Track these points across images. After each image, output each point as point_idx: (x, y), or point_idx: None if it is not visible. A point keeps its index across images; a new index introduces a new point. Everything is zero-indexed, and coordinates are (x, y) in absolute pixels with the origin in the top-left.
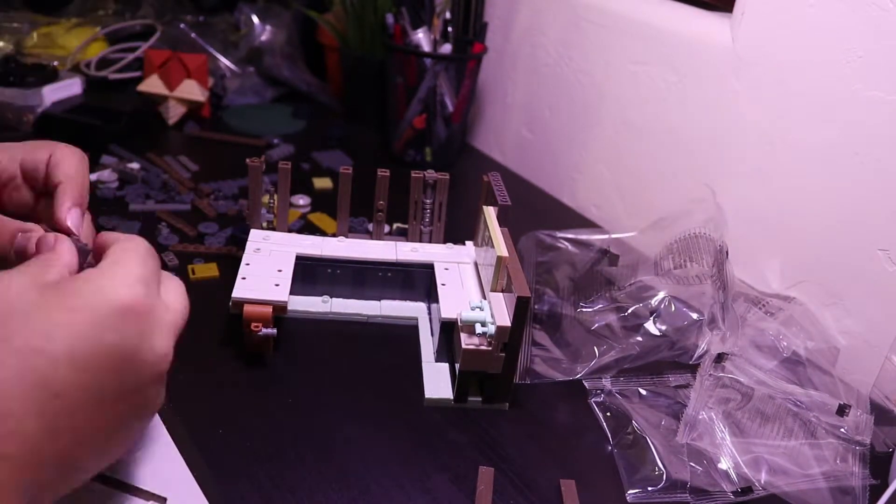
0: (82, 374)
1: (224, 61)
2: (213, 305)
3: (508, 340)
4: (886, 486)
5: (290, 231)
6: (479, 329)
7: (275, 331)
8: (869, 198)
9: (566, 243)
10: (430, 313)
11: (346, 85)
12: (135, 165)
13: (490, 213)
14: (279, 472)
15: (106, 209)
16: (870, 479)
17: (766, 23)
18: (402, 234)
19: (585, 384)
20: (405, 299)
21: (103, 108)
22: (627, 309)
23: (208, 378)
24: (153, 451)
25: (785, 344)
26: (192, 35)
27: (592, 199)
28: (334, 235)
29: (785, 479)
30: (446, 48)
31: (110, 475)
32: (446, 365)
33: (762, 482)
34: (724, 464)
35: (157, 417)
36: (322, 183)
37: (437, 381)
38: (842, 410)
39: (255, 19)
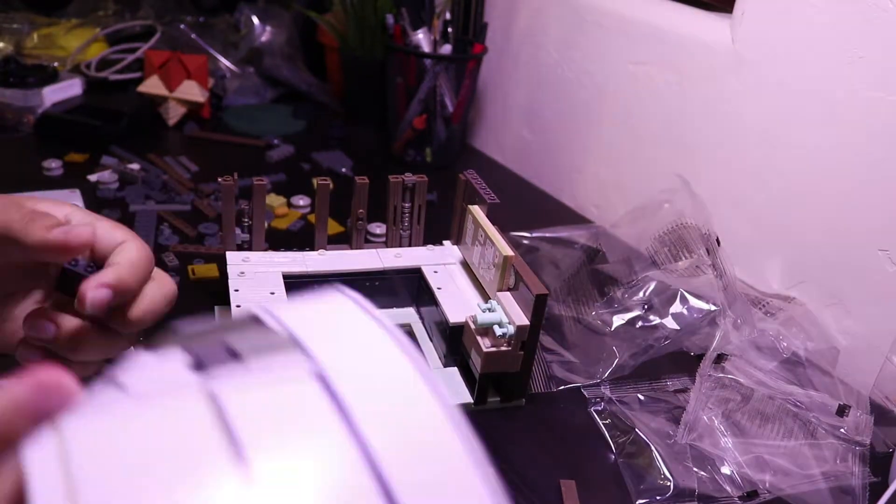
0: None
1: (224, 62)
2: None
3: (527, 338)
4: (886, 485)
5: (289, 230)
6: (498, 331)
7: None
8: (869, 198)
9: (545, 243)
10: (421, 318)
11: (346, 85)
12: (135, 166)
13: (478, 212)
14: None
15: (107, 210)
16: (870, 477)
17: (766, 23)
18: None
19: (585, 393)
20: (393, 307)
21: (103, 109)
22: (638, 307)
23: None
24: None
25: (785, 344)
26: (193, 35)
27: (592, 199)
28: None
29: (785, 480)
30: (446, 49)
31: None
32: (455, 369)
33: (766, 484)
34: (728, 467)
35: None
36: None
37: (453, 387)
38: (842, 411)
39: (255, 20)
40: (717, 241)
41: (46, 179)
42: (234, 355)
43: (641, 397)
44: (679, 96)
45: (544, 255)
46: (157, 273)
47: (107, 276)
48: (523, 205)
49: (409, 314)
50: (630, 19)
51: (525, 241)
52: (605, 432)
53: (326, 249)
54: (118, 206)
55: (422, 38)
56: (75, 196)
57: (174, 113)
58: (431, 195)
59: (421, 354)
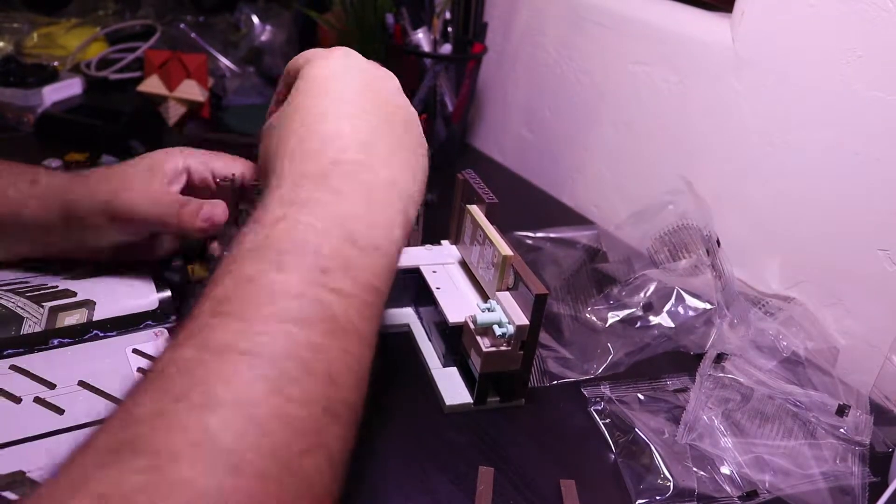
0: (384, 111)
1: (224, 61)
2: None
3: (527, 338)
4: (886, 485)
5: None
6: (497, 331)
7: None
8: (869, 198)
9: (548, 243)
10: (420, 318)
11: None
12: None
13: (477, 211)
14: None
15: None
16: (870, 477)
17: (766, 23)
18: None
19: (584, 392)
20: (391, 306)
21: (103, 109)
22: (636, 305)
23: None
24: None
25: (785, 344)
26: (192, 35)
27: (592, 199)
28: None
29: (785, 480)
30: (446, 48)
31: None
32: (455, 369)
33: (765, 484)
34: (728, 467)
35: None
36: None
37: (453, 387)
38: (841, 411)
39: (255, 19)
40: (718, 242)
41: None
42: None
43: (641, 397)
44: (679, 96)
45: (547, 255)
46: None
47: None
48: (523, 205)
49: (407, 314)
50: (630, 19)
51: (528, 241)
52: (605, 432)
53: None
54: None
55: (422, 37)
56: None
57: (174, 112)
58: (431, 195)
59: None
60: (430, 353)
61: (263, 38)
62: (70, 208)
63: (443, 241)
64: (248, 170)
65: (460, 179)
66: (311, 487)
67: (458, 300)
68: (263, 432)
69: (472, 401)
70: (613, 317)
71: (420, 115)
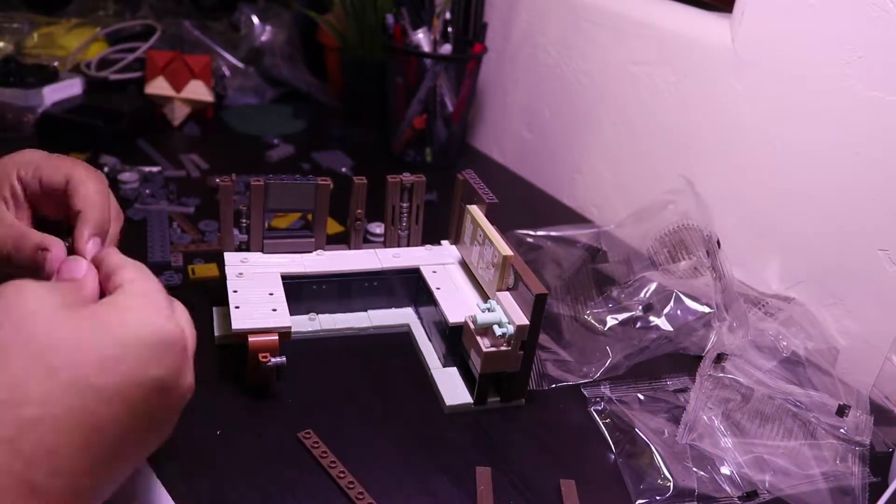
0: (125, 407)
1: (230, 59)
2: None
3: (527, 338)
4: (886, 485)
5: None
6: (497, 331)
7: (284, 359)
8: (869, 198)
9: (549, 242)
10: (420, 318)
11: (346, 85)
12: (154, 168)
13: (477, 211)
14: (279, 473)
15: (130, 210)
16: (870, 477)
17: (766, 23)
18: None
19: (585, 392)
20: (391, 307)
21: (103, 109)
22: (635, 307)
23: (208, 389)
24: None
25: (785, 344)
26: (196, 33)
27: (592, 199)
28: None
29: (785, 481)
30: (446, 48)
31: None
32: (455, 369)
33: (765, 484)
34: (728, 467)
35: None
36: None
37: (453, 387)
38: (841, 411)
39: (255, 19)
40: (718, 243)
41: None
42: None
43: (641, 397)
44: (679, 96)
45: (547, 254)
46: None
47: (84, 228)
48: (523, 205)
49: (407, 314)
50: (630, 19)
51: (529, 240)
52: (605, 432)
53: (325, 249)
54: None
55: (422, 37)
56: None
57: (179, 113)
58: (431, 195)
59: None
60: (430, 353)
61: (263, 38)
62: None
63: (443, 242)
64: (80, 170)
65: (460, 179)
66: None
67: (458, 300)
68: None
69: (472, 401)
70: (612, 320)
71: (420, 115)
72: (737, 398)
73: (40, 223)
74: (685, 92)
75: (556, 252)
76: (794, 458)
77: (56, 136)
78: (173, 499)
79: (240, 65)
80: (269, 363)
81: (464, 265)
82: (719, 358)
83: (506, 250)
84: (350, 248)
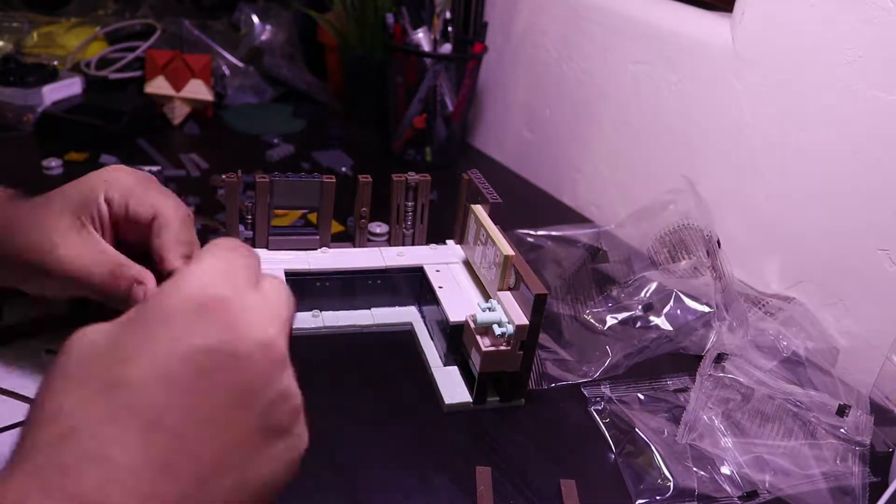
0: (177, 390)
1: (230, 58)
2: None
3: (527, 338)
4: (886, 485)
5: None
6: (497, 330)
7: None
8: (869, 198)
9: (549, 242)
10: (423, 316)
11: (346, 85)
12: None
13: (480, 211)
14: None
15: None
16: (870, 477)
17: (766, 23)
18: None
19: (584, 392)
20: (394, 305)
21: (103, 108)
22: (635, 307)
23: None
24: None
25: (785, 344)
26: (196, 33)
27: (593, 199)
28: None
29: (785, 480)
30: (446, 48)
31: None
32: (455, 368)
33: (765, 484)
34: (728, 467)
35: None
36: None
37: (453, 386)
38: (842, 411)
39: (255, 19)
40: (718, 243)
41: (46, 179)
42: None
43: (641, 397)
44: (679, 96)
45: (548, 253)
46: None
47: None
48: (523, 204)
49: (410, 313)
50: (630, 19)
51: (530, 239)
52: (605, 432)
53: (329, 247)
54: None
55: (422, 37)
56: None
57: (179, 112)
58: (432, 195)
59: None
60: (431, 351)
61: (263, 37)
62: None
63: (448, 241)
64: (169, 209)
65: (465, 179)
66: None
67: (460, 299)
68: None
69: (471, 400)
70: (611, 319)
71: (420, 114)
72: (737, 398)
73: (118, 247)
74: (685, 91)
75: (557, 252)
76: (795, 458)
77: (56, 135)
78: None
79: (240, 64)
80: None
81: (467, 265)
82: (719, 358)
83: (507, 250)
84: (354, 246)
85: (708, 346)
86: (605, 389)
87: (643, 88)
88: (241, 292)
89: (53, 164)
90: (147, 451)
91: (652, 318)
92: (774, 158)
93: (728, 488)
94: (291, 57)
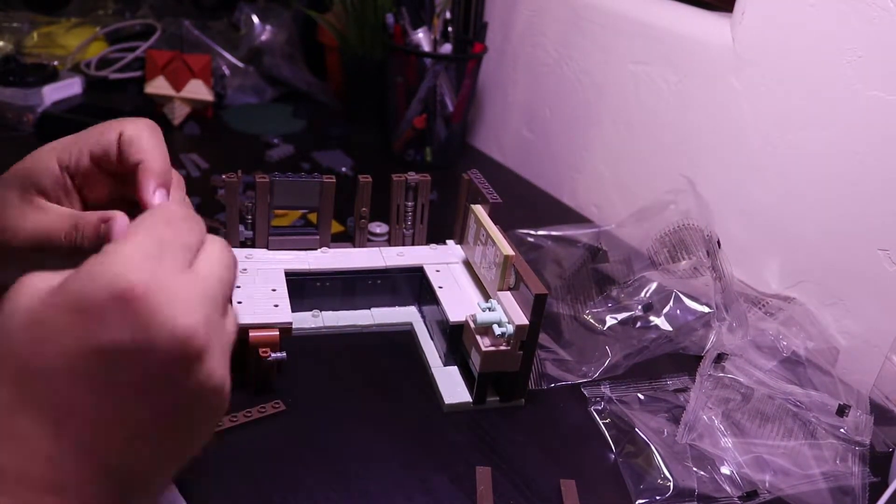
0: (85, 384)
1: (230, 58)
2: None
3: (526, 338)
4: (886, 485)
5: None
6: (497, 330)
7: (284, 354)
8: (869, 198)
9: (549, 242)
10: (423, 316)
11: (346, 85)
12: None
13: (480, 211)
14: (279, 472)
15: None
16: (870, 477)
17: (766, 23)
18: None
19: (584, 392)
20: (395, 305)
21: (103, 108)
22: (635, 307)
23: None
24: None
25: (785, 344)
26: (196, 33)
27: (593, 199)
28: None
29: (785, 480)
30: (446, 48)
31: None
32: (455, 368)
33: (765, 484)
34: (728, 467)
35: None
36: None
37: (453, 386)
38: (842, 411)
39: (255, 19)
40: (718, 243)
41: None
42: None
43: (641, 397)
44: (679, 96)
45: (548, 253)
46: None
47: (149, 180)
48: (523, 204)
49: (410, 313)
50: (630, 19)
51: (530, 239)
52: (605, 432)
53: (329, 247)
54: None
55: (422, 37)
56: None
57: (179, 112)
58: (432, 195)
59: None
60: (431, 351)
61: (263, 37)
62: None
63: (448, 241)
64: (132, 124)
65: (465, 179)
66: None
67: (460, 299)
68: None
69: (471, 400)
70: (611, 320)
71: (420, 114)
72: (737, 398)
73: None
74: (685, 92)
75: (557, 252)
76: (795, 458)
77: (56, 135)
78: None
79: (240, 64)
80: (270, 358)
81: (467, 265)
82: (719, 358)
83: (507, 250)
84: (354, 246)
85: (708, 346)
86: (605, 389)
87: (643, 88)
88: (166, 277)
89: None
90: (59, 439)
91: (652, 318)
92: (774, 158)
93: (728, 488)
94: (291, 57)
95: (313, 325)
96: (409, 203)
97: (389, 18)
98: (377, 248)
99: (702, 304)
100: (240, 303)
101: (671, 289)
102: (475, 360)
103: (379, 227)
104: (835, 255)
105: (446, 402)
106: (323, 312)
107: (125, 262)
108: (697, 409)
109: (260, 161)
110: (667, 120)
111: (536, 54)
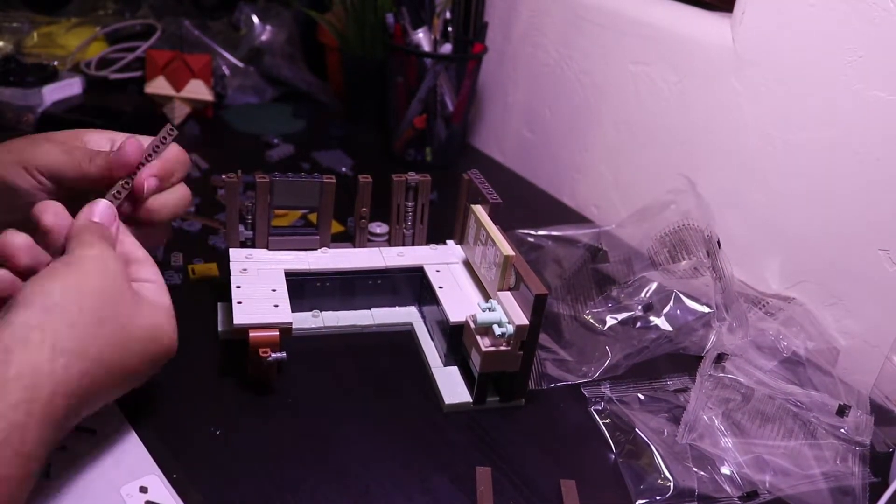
0: (101, 363)
1: (230, 58)
2: (212, 307)
3: (526, 338)
4: (886, 485)
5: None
6: (497, 330)
7: (284, 354)
8: (869, 198)
9: (549, 242)
10: (423, 317)
11: (346, 85)
12: None
13: (480, 211)
14: (279, 472)
15: None
16: (870, 477)
17: (766, 23)
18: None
19: (585, 392)
20: (395, 305)
21: (103, 108)
22: (635, 307)
23: (210, 385)
24: None
25: (785, 344)
26: (196, 33)
27: (593, 199)
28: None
29: (785, 481)
30: (446, 48)
31: None
32: (456, 368)
33: (765, 484)
34: (728, 467)
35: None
36: None
37: (453, 386)
38: (842, 411)
39: (255, 19)
40: (718, 243)
41: None
42: None
43: (641, 397)
44: (679, 96)
45: (548, 253)
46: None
47: (154, 167)
48: (523, 204)
49: (411, 313)
50: (630, 19)
51: (530, 239)
52: (605, 432)
53: (329, 247)
54: None
55: (422, 37)
56: None
57: (179, 112)
58: (432, 195)
59: None
60: (431, 352)
61: (263, 37)
62: None
63: (448, 241)
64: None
65: (465, 179)
66: None
67: (460, 299)
68: None
69: (471, 400)
70: (611, 320)
71: (420, 114)
72: (737, 398)
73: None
74: (686, 92)
75: (557, 252)
76: (795, 458)
77: None
78: (172, 497)
79: (240, 64)
80: (270, 358)
81: (468, 265)
82: (719, 358)
83: (507, 250)
84: (354, 246)
85: (708, 346)
86: (605, 389)
87: (643, 88)
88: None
89: None
90: (53, 363)
91: (652, 318)
92: (774, 158)
93: (728, 488)
94: (291, 57)
95: (313, 326)
96: (410, 203)
97: (389, 18)
98: (377, 249)
99: (702, 304)
100: (240, 303)
101: (671, 289)
102: (475, 361)
103: (379, 227)
104: (835, 255)
105: (446, 402)
106: (323, 312)
107: (174, 328)
108: (697, 409)
109: (260, 161)
110: (667, 120)
111: (536, 54)
